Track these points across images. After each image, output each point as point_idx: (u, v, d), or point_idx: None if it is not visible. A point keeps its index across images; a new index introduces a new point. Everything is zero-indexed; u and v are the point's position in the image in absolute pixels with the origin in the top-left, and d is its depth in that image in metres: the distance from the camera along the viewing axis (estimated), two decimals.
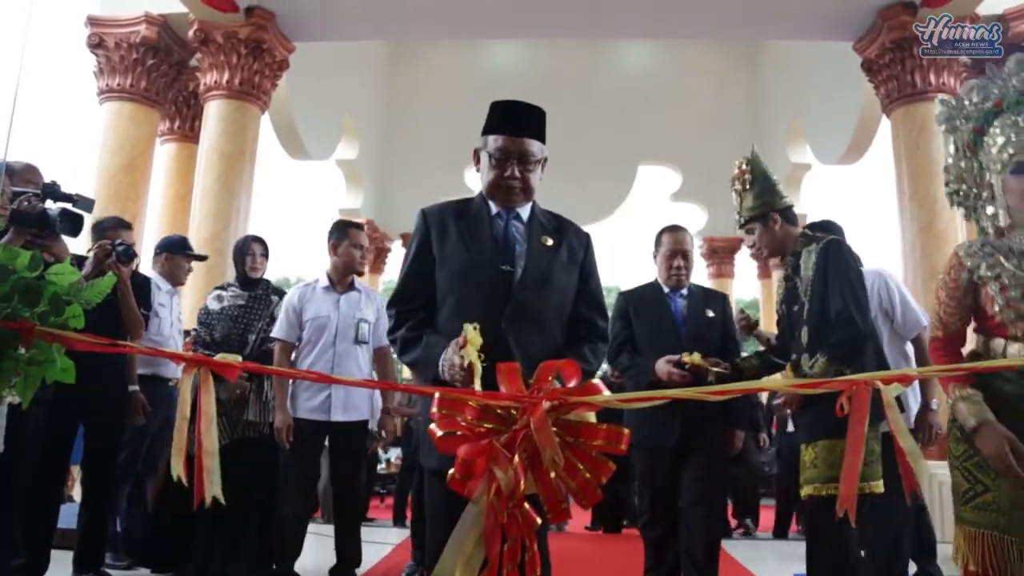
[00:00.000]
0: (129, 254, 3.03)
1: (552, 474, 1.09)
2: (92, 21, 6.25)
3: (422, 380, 1.79)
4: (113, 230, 3.29)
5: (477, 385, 1.45)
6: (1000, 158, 1.85)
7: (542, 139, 1.93)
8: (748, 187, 2.63)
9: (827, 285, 2.39)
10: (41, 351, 1.27)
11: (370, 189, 10.04)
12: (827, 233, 2.73)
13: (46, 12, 6.89)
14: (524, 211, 1.95)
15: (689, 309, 2.93)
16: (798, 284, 2.51)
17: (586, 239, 2.03)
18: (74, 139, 7.13)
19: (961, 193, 1.98)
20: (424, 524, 2.15)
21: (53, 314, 1.28)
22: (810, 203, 9.24)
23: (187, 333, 3.60)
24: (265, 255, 3.41)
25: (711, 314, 2.90)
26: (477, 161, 1.97)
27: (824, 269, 2.41)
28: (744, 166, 2.66)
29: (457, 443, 1.13)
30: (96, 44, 6.24)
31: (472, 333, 1.55)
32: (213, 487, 1.30)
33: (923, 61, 5.56)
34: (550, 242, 1.92)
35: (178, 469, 1.29)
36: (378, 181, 10.20)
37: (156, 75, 6.32)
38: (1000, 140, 1.86)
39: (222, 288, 3.36)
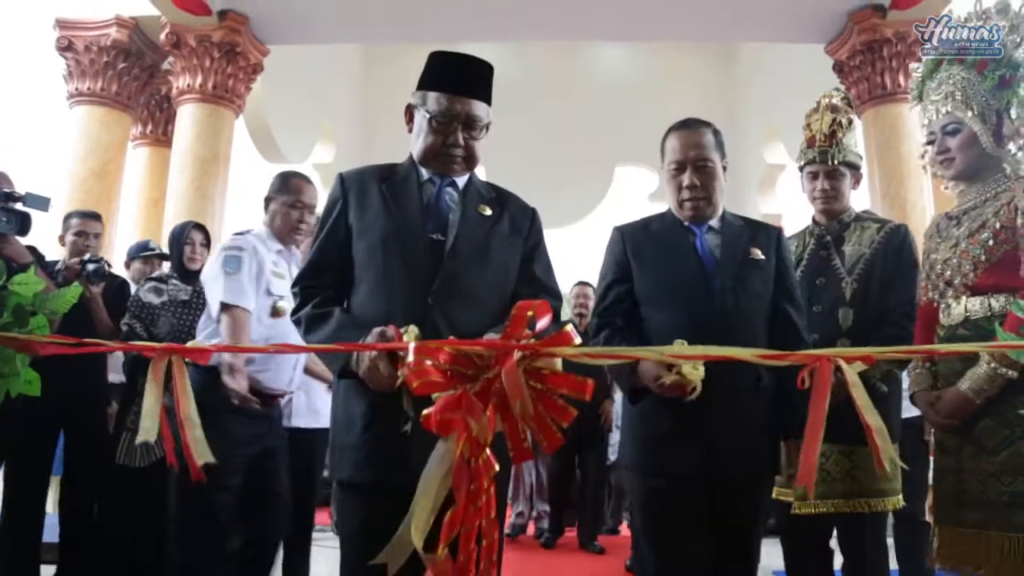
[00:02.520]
0: (100, 273, 2.94)
1: (520, 422, 1.13)
2: (61, 24, 6.15)
3: (328, 367, 1.59)
4: (81, 220, 3.25)
5: (405, 404, 1.36)
6: None
7: (489, 100, 1.66)
8: (851, 127, 2.28)
9: (897, 270, 2.15)
10: (4, 362, 1.24)
11: None
12: None
13: (11, 13, 6.76)
14: (461, 179, 1.68)
15: (725, 249, 1.84)
16: (835, 257, 2.22)
17: (531, 213, 1.74)
18: (44, 144, 7.00)
19: (932, 163, 1.93)
20: None
21: (17, 325, 1.26)
22: (785, 203, 9.33)
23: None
24: (206, 245, 3.15)
25: (759, 255, 1.84)
26: (410, 119, 1.68)
27: (899, 253, 2.17)
28: (847, 104, 2.33)
29: (433, 388, 1.13)
30: (65, 47, 6.14)
31: (413, 337, 1.36)
32: (203, 455, 1.29)
33: (892, 63, 5.65)
34: (488, 211, 1.65)
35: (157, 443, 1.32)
36: None
37: (128, 79, 6.24)
38: (925, 111, 1.91)
39: (159, 280, 3.08)
